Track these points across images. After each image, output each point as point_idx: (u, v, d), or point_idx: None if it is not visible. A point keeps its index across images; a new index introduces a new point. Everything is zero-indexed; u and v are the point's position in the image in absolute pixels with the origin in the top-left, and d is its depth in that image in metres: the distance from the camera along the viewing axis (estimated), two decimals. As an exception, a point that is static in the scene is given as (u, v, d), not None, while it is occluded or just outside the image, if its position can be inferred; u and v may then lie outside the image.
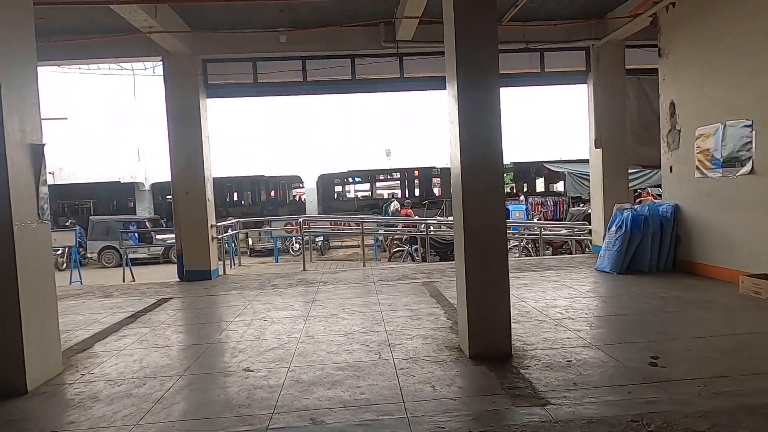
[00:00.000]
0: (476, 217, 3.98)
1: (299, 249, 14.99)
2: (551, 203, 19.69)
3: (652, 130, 9.50)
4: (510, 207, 18.30)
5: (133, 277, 11.63)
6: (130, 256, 16.04)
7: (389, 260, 11.47)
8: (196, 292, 7.64)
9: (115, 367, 4.22)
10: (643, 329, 4.60)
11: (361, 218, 11.73)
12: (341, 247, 18.11)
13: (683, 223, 7.25)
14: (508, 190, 32.43)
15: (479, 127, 3.98)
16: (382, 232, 12.86)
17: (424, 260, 10.81)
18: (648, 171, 16.52)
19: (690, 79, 6.96)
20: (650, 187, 17.21)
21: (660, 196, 18.28)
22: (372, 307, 5.96)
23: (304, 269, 9.33)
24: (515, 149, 19.73)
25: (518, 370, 3.70)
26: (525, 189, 28.81)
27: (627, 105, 9.25)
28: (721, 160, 6.40)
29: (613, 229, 7.55)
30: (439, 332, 4.80)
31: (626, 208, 7.71)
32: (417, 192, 33.05)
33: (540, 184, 30.57)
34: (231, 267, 10.93)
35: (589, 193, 17.99)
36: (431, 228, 11.53)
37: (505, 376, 3.61)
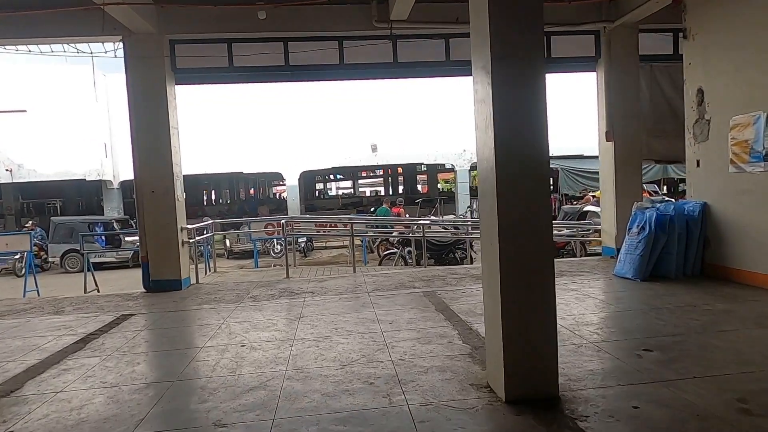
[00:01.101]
0: (515, 225, 3.09)
1: (281, 250, 13.99)
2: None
3: (665, 122, 8.79)
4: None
5: (96, 286, 10.50)
6: (96, 260, 14.90)
7: (380, 264, 10.57)
8: (162, 306, 6.63)
9: (43, 421, 3.23)
10: (709, 357, 3.79)
11: (350, 219, 10.82)
12: (325, 248, 17.14)
13: (713, 223, 6.52)
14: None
15: (521, 123, 3.08)
16: (372, 234, 11.95)
17: (418, 264, 9.95)
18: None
19: (723, 63, 6.21)
20: (645, 183, 16.68)
21: (656, 192, 17.84)
22: (370, 326, 5.05)
23: (288, 276, 8.37)
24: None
25: (574, 422, 2.84)
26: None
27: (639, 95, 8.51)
28: (764, 152, 5.66)
29: (635, 230, 6.78)
30: (457, 362, 3.92)
31: (647, 207, 6.95)
32: (401, 189, 32.29)
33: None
34: (206, 273, 9.89)
35: (584, 189, 17.50)
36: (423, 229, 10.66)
37: (560, 432, 2.75)
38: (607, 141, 8.38)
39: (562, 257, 10.44)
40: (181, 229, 7.76)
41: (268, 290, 7.25)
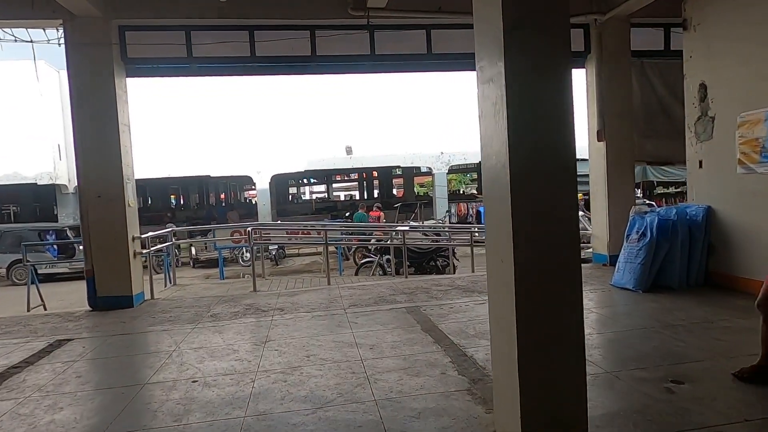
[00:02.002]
0: (534, 236, 2.44)
1: (250, 258, 13.12)
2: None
3: (656, 122, 8.36)
4: (481, 209, 17.12)
5: (42, 301, 9.45)
6: (48, 271, 13.73)
7: (356, 273, 9.84)
8: (107, 328, 5.76)
9: None
10: (752, 390, 3.21)
11: (324, 225, 10.07)
12: (298, 255, 16.29)
13: (718, 228, 6.04)
14: (474, 191, 31.49)
15: (542, 107, 2.44)
16: (348, 242, 11.20)
17: (398, 273, 9.27)
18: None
19: (728, 55, 5.74)
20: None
21: (637, 196, 17.60)
22: (348, 352, 4.34)
23: (255, 290, 7.56)
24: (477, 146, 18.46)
25: (616, 494, 2.19)
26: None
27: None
28: (777, 151, 5.19)
29: (634, 236, 6.25)
30: (454, 401, 3.25)
31: (646, 212, 6.45)
32: (377, 194, 31.62)
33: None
34: (165, 286, 8.99)
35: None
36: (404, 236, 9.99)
37: None
38: (598, 141, 7.88)
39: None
40: (133, 238, 6.89)
41: (232, 307, 6.44)
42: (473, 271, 8.73)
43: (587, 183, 12.66)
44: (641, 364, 3.73)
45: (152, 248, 7.94)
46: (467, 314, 5.43)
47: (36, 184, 16.06)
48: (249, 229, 7.82)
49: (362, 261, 10.24)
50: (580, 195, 15.10)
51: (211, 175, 18.43)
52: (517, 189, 2.40)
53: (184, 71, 7.45)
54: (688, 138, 6.44)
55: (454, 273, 9.59)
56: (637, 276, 6.03)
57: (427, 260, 9.80)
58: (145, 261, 7.56)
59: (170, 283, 9.14)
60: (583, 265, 8.20)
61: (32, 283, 9.48)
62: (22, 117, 15.28)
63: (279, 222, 15.82)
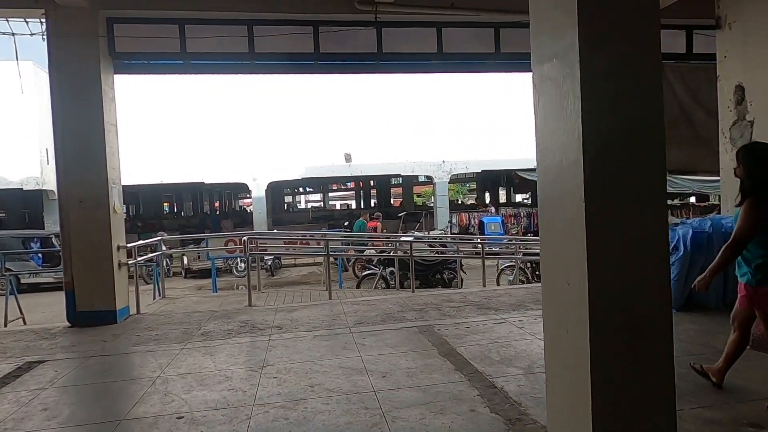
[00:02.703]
0: (617, 253, 1.92)
1: (245, 268, 12.50)
2: (524, 215, 18.18)
3: (678, 128, 7.89)
4: (485, 219, 16.63)
5: (21, 314, 8.81)
6: (31, 281, 13.08)
7: (358, 286, 9.28)
8: (86, 348, 5.17)
9: None
10: None
11: (324, 235, 9.53)
12: (294, 265, 15.70)
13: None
14: (473, 201, 31.06)
15: (624, 93, 1.94)
16: (353, 253, 10.63)
17: (401, 286, 8.72)
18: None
19: (769, 54, 5.30)
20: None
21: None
22: (357, 381, 3.79)
23: (250, 304, 6.99)
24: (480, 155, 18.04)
25: None
26: (488, 200, 27.47)
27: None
28: (829, 158, 4.70)
29: (665, 250, 5.74)
30: (491, 448, 2.70)
31: (677, 224, 5.95)
32: (374, 203, 31.08)
33: (503, 195, 29.34)
34: (154, 299, 8.40)
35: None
36: (406, 247, 9.46)
37: None
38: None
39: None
40: (118, 247, 6.32)
41: (226, 323, 5.87)
42: (484, 286, 8.20)
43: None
44: (703, 401, 3.21)
45: (140, 258, 7.37)
46: (487, 335, 4.89)
47: (21, 189, 15.42)
48: (245, 238, 7.27)
49: (364, 273, 9.68)
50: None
51: (205, 182, 17.84)
52: (593, 193, 1.89)
53: (177, 68, 6.96)
54: (722, 144, 5.98)
55: (461, 287, 9.05)
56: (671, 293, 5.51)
57: (433, 273, 9.26)
58: (132, 272, 6.99)
59: (159, 295, 8.55)
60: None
61: (11, 294, 8.86)
62: (7, 119, 14.66)
63: (276, 231, 15.23)
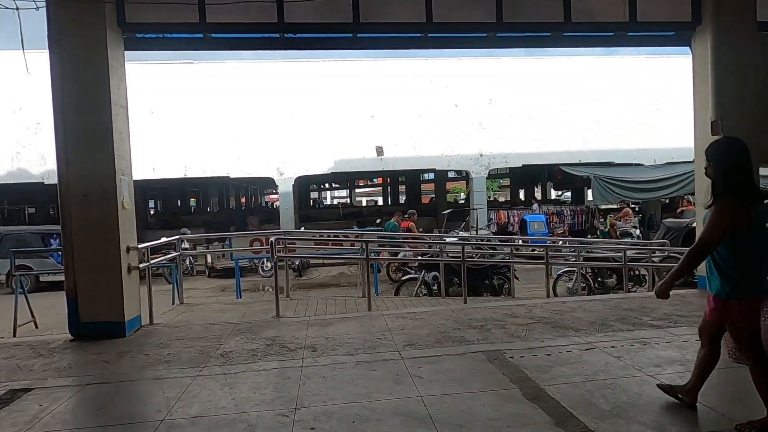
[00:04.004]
0: None
1: (271, 267, 11.60)
2: (568, 213, 16.86)
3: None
4: (527, 217, 15.41)
5: (33, 316, 8.12)
6: (50, 279, 12.49)
7: (396, 293, 8.26)
8: (84, 370, 4.31)
9: None
10: None
11: (360, 236, 8.53)
12: (323, 264, 14.78)
13: None
14: (505, 198, 29.69)
15: None
16: (400, 256, 9.55)
17: (447, 293, 7.68)
18: (684, 174, 13.79)
19: None
20: (689, 194, 14.56)
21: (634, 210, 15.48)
22: (424, 441, 2.78)
23: (278, 315, 6.05)
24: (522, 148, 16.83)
25: None
26: (522, 197, 26.12)
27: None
28: None
29: None
30: None
31: None
32: (402, 199, 30.01)
33: (538, 192, 27.91)
34: (172, 303, 7.57)
35: (621, 201, 15.34)
36: (452, 249, 8.40)
37: None
38: (712, 135, 6.21)
39: (631, 287, 8.20)
40: (128, 249, 5.46)
41: (250, 341, 4.95)
42: (548, 296, 7.09)
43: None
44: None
45: (155, 260, 6.53)
46: (578, 369, 3.83)
47: (43, 183, 14.92)
48: (272, 239, 6.35)
49: (403, 278, 8.66)
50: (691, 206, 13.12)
51: (231, 176, 17.05)
52: None
53: (195, 43, 6.06)
54: None
55: (513, 294, 7.95)
56: None
57: (482, 278, 8.19)
58: (145, 275, 6.14)
59: (177, 300, 7.71)
60: (684, 291, 6.48)
61: (21, 293, 8.16)
62: (30, 108, 14.10)
63: (304, 230, 14.32)
